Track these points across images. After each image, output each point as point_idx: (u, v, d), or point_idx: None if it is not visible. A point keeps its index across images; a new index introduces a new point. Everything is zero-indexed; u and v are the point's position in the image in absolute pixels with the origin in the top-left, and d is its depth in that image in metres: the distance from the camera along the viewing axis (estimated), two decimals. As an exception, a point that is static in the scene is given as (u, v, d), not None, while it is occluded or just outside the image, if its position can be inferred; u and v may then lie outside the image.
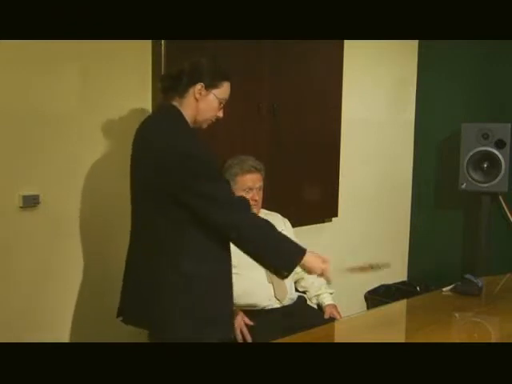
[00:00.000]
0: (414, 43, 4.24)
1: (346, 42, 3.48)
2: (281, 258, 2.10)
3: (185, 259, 2.04)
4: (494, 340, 2.36)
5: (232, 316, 2.22)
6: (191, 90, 2.12)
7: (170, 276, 2.05)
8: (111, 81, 2.64)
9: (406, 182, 4.36)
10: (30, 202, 2.44)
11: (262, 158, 2.84)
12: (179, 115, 2.11)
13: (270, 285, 2.69)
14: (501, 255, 3.88)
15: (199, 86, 2.11)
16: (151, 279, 2.08)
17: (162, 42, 2.67)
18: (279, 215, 2.95)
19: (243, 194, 2.71)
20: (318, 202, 3.51)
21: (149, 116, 2.28)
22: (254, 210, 2.75)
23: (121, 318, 2.21)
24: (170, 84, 2.15)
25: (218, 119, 2.21)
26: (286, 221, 2.96)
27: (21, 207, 2.43)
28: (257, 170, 2.74)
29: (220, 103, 2.17)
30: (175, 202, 2.02)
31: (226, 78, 2.18)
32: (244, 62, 2.97)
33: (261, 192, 2.77)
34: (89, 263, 2.65)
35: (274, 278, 2.68)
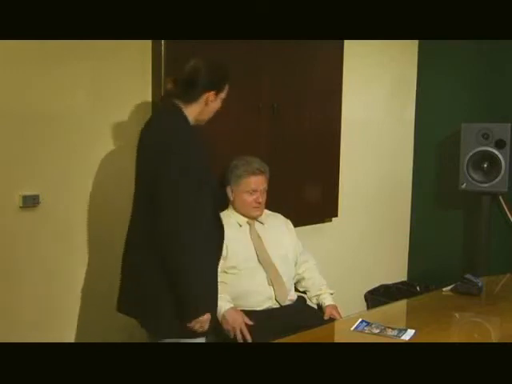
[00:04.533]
0: (414, 43, 4.24)
1: (346, 42, 3.47)
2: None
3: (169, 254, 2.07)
4: (494, 340, 2.36)
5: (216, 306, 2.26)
6: (204, 96, 2.18)
7: (155, 273, 2.09)
8: (111, 81, 2.64)
9: (406, 182, 4.36)
10: (30, 202, 2.44)
11: (262, 158, 2.84)
12: (181, 113, 2.16)
13: (271, 287, 2.68)
14: (501, 255, 3.88)
15: (212, 94, 2.19)
16: (141, 274, 2.15)
17: (162, 42, 2.67)
18: (281, 216, 2.94)
19: (247, 195, 2.71)
20: (318, 202, 3.50)
21: (152, 115, 2.33)
22: (258, 212, 2.76)
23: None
24: (183, 89, 2.18)
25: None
26: (289, 222, 2.95)
27: (21, 207, 2.43)
28: (262, 173, 2.74)
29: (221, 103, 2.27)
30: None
31: (228, 80, 2.25)
32: (244, 62, 2.97)
33: (265, 194, 2.76)
34: (89, 263, 2.65)
35: (275, 280, 2.69)
